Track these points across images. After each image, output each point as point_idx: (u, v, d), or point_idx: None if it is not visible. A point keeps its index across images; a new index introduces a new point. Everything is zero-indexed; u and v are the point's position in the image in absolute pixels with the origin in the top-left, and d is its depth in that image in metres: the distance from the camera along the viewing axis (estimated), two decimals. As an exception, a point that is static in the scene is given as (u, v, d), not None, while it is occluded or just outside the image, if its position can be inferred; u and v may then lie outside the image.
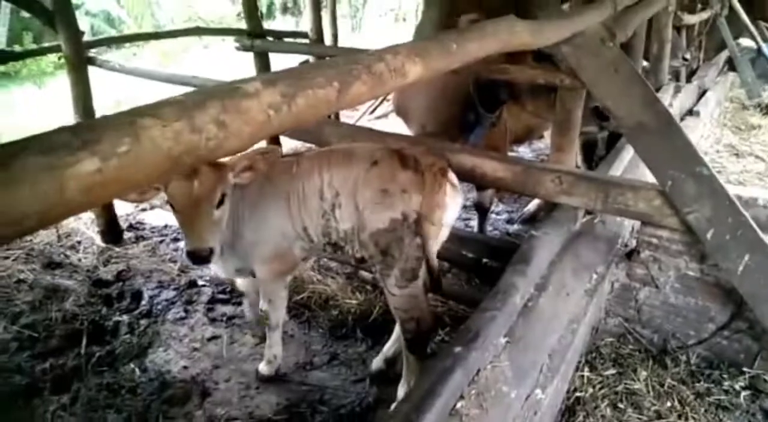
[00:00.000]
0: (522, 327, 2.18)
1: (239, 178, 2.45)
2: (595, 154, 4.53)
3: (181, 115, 0.75)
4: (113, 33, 14.17)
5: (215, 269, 2.91)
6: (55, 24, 4.24)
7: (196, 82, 4.42)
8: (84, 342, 3.42)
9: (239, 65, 8.78)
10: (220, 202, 2.38)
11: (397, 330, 3.08)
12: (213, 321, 3.68)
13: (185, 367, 3.26)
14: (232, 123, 0.80)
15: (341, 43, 7.59)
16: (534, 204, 4.90)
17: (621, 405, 2.44)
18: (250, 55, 5.23)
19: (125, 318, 3.70)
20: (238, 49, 4.91)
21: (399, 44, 1.22)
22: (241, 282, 3.26)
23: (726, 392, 2.53)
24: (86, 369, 3.21)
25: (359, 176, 2.48)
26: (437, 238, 2.50)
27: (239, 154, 2.35)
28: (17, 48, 8.55)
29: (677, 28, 5.35)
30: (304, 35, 6.05)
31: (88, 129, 0.66)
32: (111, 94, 8.54)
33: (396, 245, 2.44)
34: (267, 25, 7.08)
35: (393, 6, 20.49)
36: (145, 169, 0.71)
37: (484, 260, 3.48)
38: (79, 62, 4.34)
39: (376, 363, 3.14)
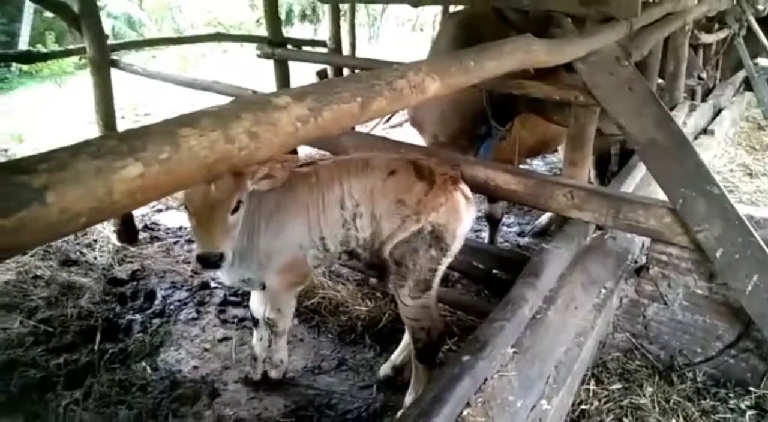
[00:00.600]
0: (530, 339, 2.21)
1: (258, 185, 2.44)
2: (608, 169, 4.55)
3: (217, 125, 0.80)
4: (134, 35, 14.39)
5: (222, 276, 2.90)
6: (80, 26, 4.34)
7: (218, 88, 4.50)
8: (98, 339, 3.48)
9: (257, 70, 8.91)
10: (235, 209, 2.36)
11: (405, 337, 3.12)
12: (224, 322, 3.74)
13: (195, 367, 3.32)
14: (263, 134, 0.85)
15: (359, 53, 7.67)
16: (545, 217, 4.93)
17: (626, 420, 2.46)
18: (269, 61, 5.31)
19: (138, 317, 3.77)
20: (259, 56, 4.98)
21: (420, 61, 1.27)
22: (256, 307, 3.14)
23: (732, 410, 2.54)
24: (99, 366, 3.27)
25: (376, 186, 2.51)
26: (451, 250, 2.54)
27: None
28: (40, 48, 8.73)
29: (694, 47, 5.37)
30: (322, 44, 6.13)
31: (134, 136, 0.72)
32: (128, 95, 8.67)
33: (410, 256, 2.47)
34: (285, 32, 7.16)
35: (410, 16, 20.61)
36: (183, 175, 0.76)
37: (494, 271, 3.52)
38: (102, 64, 4.44)
39: (384, 369, 3.18)
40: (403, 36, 19.54)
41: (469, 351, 1.95)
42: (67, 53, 5.28)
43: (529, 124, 3.82)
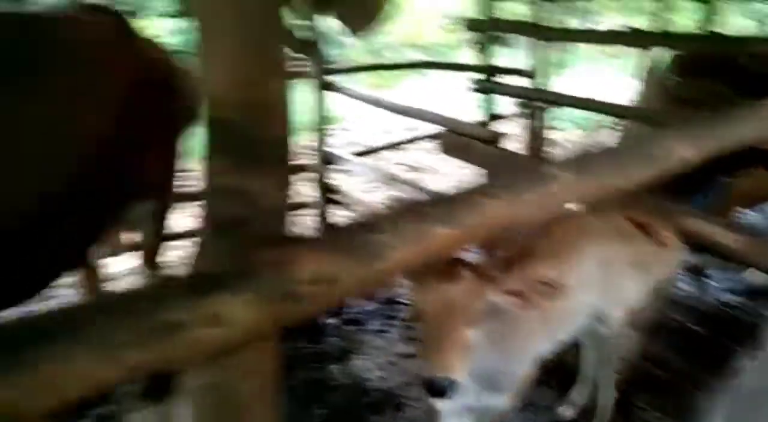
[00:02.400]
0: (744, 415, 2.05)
1: (502, 299, 1.86)
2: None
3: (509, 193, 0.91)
4: (334, 53, 15.19)
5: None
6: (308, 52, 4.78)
7: (429, 117, 4.39)
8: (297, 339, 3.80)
9: (455, 93, 9.02)
10: (476, 321, 1.80)
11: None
12: (409, 339, 3.88)
13: (382, 378, 3.49)
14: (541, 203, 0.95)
15: (554, 82, 7.34)
16: (763, 276, 4.44)
17: None
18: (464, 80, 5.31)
19: (333, 321, 4.06)
20: (476, 90, 4.84)
21: (676, 129, 1.28)
22: None
23: None
24: (299, 364, 3.55)
25: (616, 256, 2.30)
26: None
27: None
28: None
29: None
30: (528, 74, 5.91)
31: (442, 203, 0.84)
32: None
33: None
34: (481, 58, 6.59)
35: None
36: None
37: (691, 325, 3.31)
38: (320, 87, 4.85)
39: (566, 410, 3.13)
40: (594, 61, 18.66)
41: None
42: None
43: (761, 173, 3.50)
